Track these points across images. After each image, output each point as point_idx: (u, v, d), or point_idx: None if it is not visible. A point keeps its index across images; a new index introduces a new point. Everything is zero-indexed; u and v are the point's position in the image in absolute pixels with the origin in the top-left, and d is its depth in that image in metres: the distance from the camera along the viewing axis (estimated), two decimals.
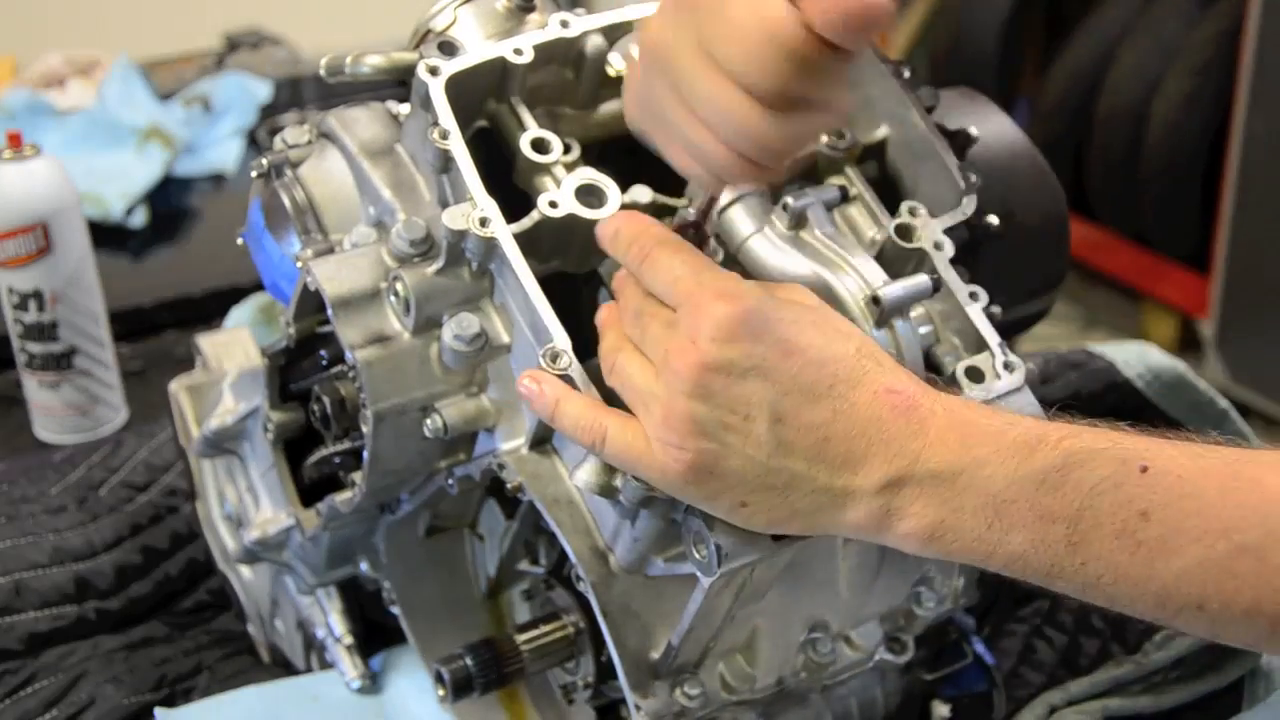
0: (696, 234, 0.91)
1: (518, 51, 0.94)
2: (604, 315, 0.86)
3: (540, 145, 0.94)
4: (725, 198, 0.94)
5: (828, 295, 0.86)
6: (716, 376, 0.76)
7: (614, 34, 0.98)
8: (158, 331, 1.78)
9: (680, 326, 0.78)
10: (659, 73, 0.77)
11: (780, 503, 0.78)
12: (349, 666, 1.15)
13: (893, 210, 0.95)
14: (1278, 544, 0.69)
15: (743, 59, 0.72)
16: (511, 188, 0.95)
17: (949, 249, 0.93)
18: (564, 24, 0.96)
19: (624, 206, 0.92)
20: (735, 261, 0.94)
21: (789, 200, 0.91)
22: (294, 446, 1.09)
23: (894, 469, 0.76)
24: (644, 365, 0.80)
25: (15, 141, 1.45)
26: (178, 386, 1.24)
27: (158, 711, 1.13)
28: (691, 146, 0.78)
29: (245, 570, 1.24)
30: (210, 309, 1.74)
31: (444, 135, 0.90)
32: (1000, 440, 0.76)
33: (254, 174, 1.03)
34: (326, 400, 0.96)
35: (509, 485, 0.89)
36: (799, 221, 0.91)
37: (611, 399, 0.83)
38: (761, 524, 0.79)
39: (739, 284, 0.80)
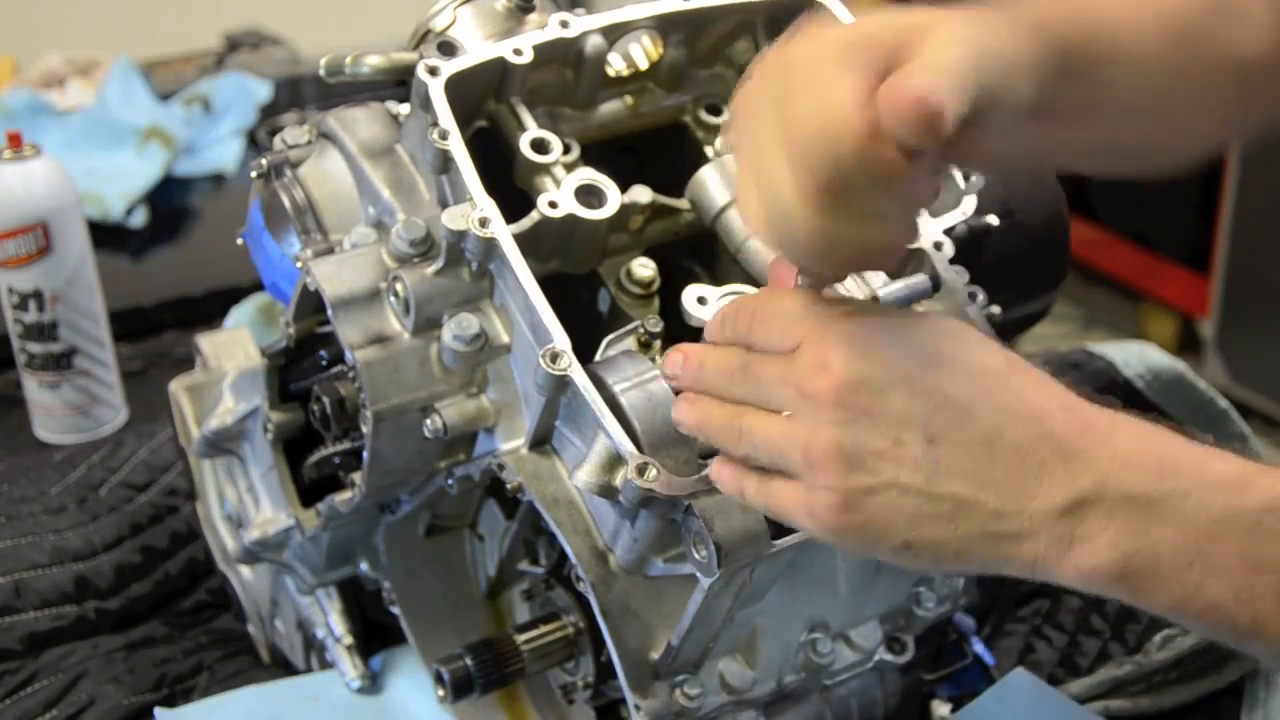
0: None
1: (517, 52, 0.94)
2: (684, 410, 0.78)
3: (540, 145, 0.94)
4: (725, 197, 0.94)
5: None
6: (857, 396, 0.69)
7: (614, 34, 0.98)
8: (158, 331, 1.78)
9: (804, 356, 0.71)
10: (738, 135, 0.73)
11: (948, 538, 0.69)
12: (349, 666, 1.15)
13: None
14: None
15: (799, 143, 0.67)
16: (511, 188, 0.95)
17: (949, 249, 0.93)
18: (564, 24, 0.96)
19: (624, 206, 0.92)
20: (735, 263, 0.94)
21: None
22: (294, 446, 1.09)
23: (1078, 488, 0.67)
24: (771, 416, 0.73)
25: (15, 141, 1.45)
26: (178, 386, 1.24)
27: (158, 711, 1.13)
28: (748, 211, 0.73)
29: (245, 570, 1.24)
30: (210, 309, 1.74)
31: (443, 135, 0.90)
32: (1203, 472, 0.67)
33: (254, 174, 1.03)
34: (326, 400, 0.96)
35: (509, 485, 0.89)
36: None
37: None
38: (928, 564, 0.72)
39: (861, 309, 0.74)
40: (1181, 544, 0.66)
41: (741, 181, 0.73)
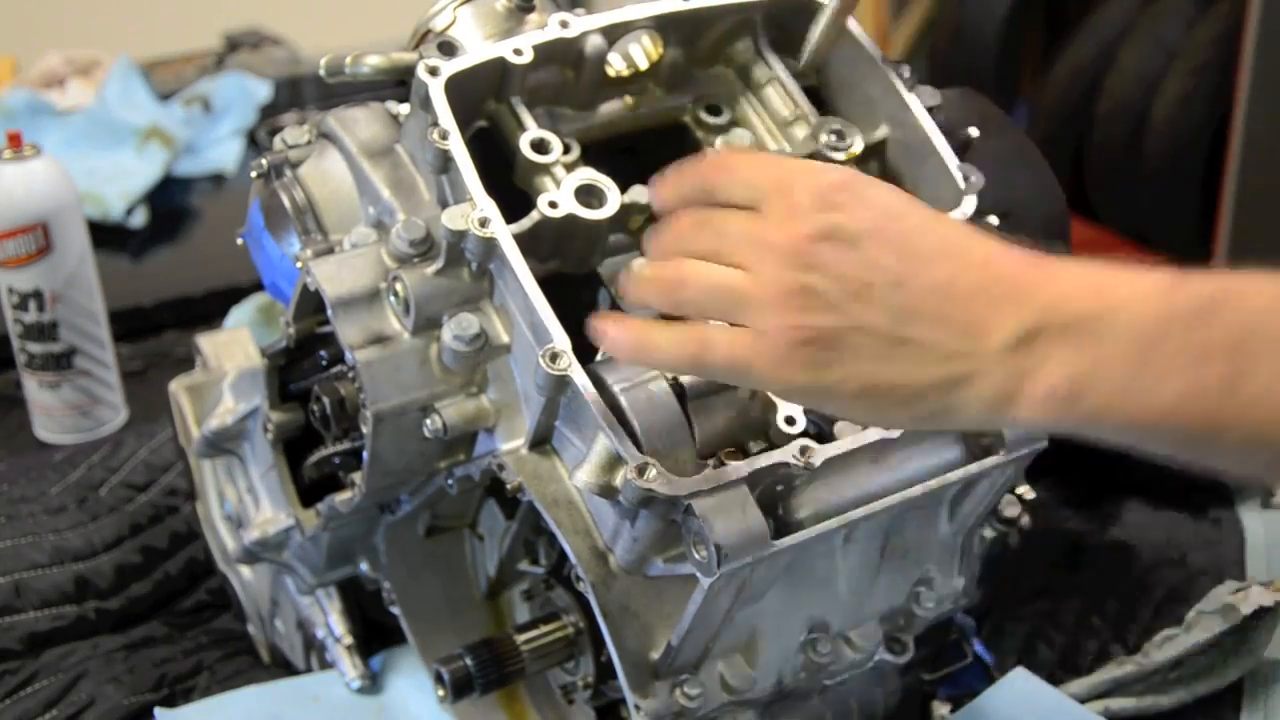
0: None
1: (517, 52, 0.94)
2: (628, 273, 0.79)
3: (540, 145, 0.94)
4: None
5: None
6: (826, 245, 0.71)
7: (614, 34, 0.98)
8: (158, 331, 1.78)
9: (773, 207, 0.73)
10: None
11: (906, 380, 0.71)
12: (349, 666, 1.15)
13: None
14: None
15: None
16: (511, 188, 0.95)
17: None
18: (564, 24, 0.96)
19: (624, 207, 0.92)
20: None
21: None
22: (294, 446, 1.09)
23: (1027, 320, 0.69)
24: (731, 271, 0.73)
25: (15, 141, 1.45)
26: (178, 386, 1.24)
27: (158, 711, 1.13)
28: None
29: (245, 570, 1.24)
30: (210, 309, 1.74)
31: (443, 135, 0.90)
32: (1138, 283, 0.69)
33: (254, 174, 1.03)
34: (326, 400, 0.96)
35: (509, 485, 0.89)
36: None
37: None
38: (886, 412, 0.73)
39: (828, 165, 0.77)
40: (1126, 352, 0.67)
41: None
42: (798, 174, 0.74)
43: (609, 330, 0.78)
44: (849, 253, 0.71)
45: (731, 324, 0.74)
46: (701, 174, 0.78)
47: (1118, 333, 0.67)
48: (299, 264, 0.95)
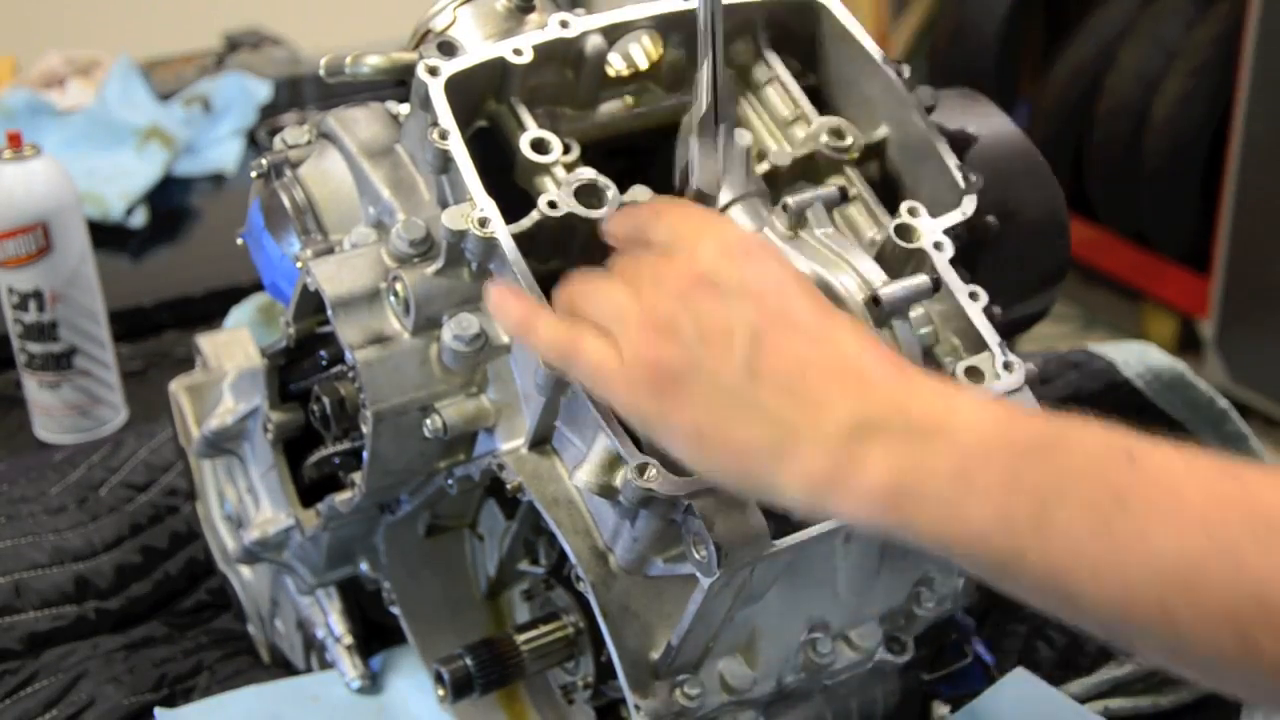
0: None
1: (517, 52, 0.94)
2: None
3: (540, 145, 0.94)
4: (725, 197, 0.94)
5: (828, 294, 0.86)
6: (706, 290, 0.74)
7: (614, 34, 0.98)
8: (158, 331, 1.78)
9: (681, 247, 0.77)
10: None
11: (735, 436, 0.72)
12: (349, 666, 1.15)
13: (893, 210, 0.95)
14: (1258, 549, 0.63)
15: None
16: (511, 188, 0.94)
17: (949, 249, 0.93)
18: (564, 24, 0.96)
19: (623, 206, 0.92)
20: None
21: (789, 200, 0.91)
22: (294, 446, 1.09)
23: (867, 411, 0.70)
24: (625, 289, 0.77)
25: (15, 141, 1.45)
26: (178, 386, 1.24)
27: (158, 711, 1.13)
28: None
29: (245, 570, 1.24)
30: (210, 309, 1.74)
31: (443, 135, 0.90)
32: (983, 410, 0.70)
33: (254, 174, 1.03)
34: (326, 400, 0.96)
35: (509, 485, 0.89)
36: (799, 221, 0.91)
37: None
38: (713, 462, 0.74)
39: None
40: (950, 467, 0.68)
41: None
42: (713, 228, 0.78)
43: (503, 300, 0.83)
44: (722, 301, 0.74)
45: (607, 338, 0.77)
46: (640, 216, 0.82)
47: (947, 448, 0.68)
48: (299, 264, 0.95)
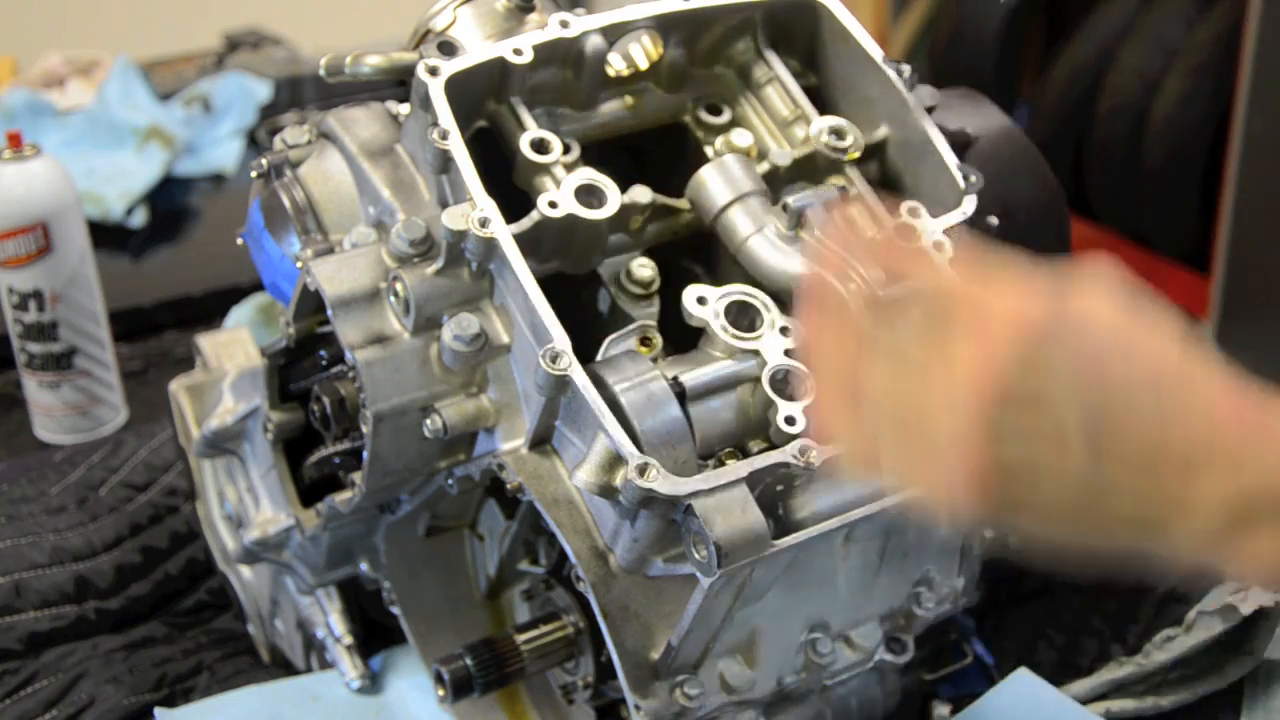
0: None
1: (517, 52, 0.94)
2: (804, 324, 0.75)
3: (540, 145, 0.94)
4: (725, 197, 0.94)
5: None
6: (1019, 410, 0.65)
7: (614, 34, 0.98)
8: (158, 331, 1.78)
9: (960, 348, 0.67)
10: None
11: (1095, 515, 0.66)
12: (349, 666, 1.15)
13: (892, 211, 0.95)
14: None
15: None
16: (511, 188, 0.94)
17: (949, 249, 0.93)
18: (564, 24, 0.96)
19: (624, 206, 0.92)
20: (735, 263, 0.94)
21: (789, 200, 0.91)
22: (294, 446, 1.09)
23: (1242, 484, 0.64)
24: (897, 377, 0.68)
25: (15, 141, 1.45)
26: (178, 386, 1.24)
27: (158, 711, 1.13)
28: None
29: (245, 570, 1.24)
30: (210, 309, 1.74)
31: (444, 135, 0.90)
32: None
33: (254, 174, 1.03)
34: (326, 400, 0.96)
35: (509, 485, 0.89)
36: (799, 221, 0.91)
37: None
38: (1073, 540, 0.69)
39: (1012, 273, 0.68)
40: None
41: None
42: (991, 298, 0.67)
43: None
44: (1046, 414, 0.65)
45: None
46: (894, 260, 0.74)
47: None
48: (299, 264, 0.95)
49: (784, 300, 0.91)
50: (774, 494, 0.84)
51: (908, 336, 0.69)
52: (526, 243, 0.89)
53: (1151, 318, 0.69)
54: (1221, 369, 0.68)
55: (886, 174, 1.01)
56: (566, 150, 0.96)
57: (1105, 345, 0.66)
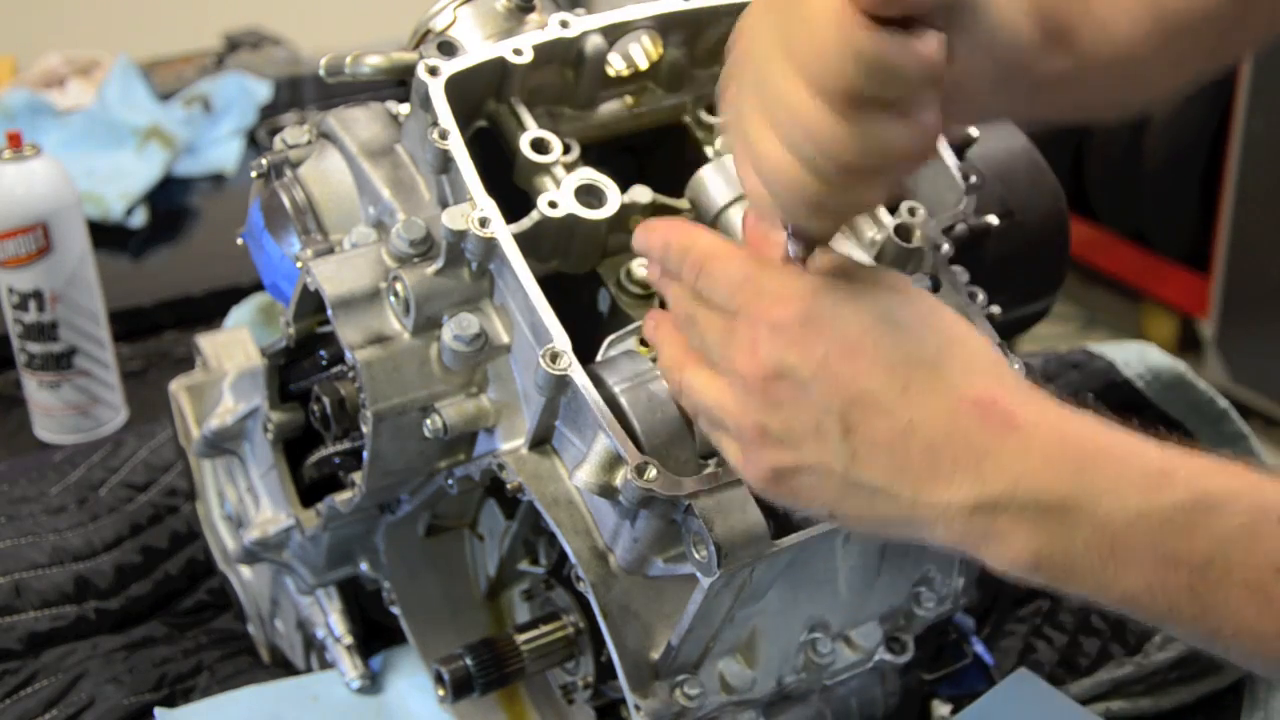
0: None
1: (517, 51, 0.94)
2: (652, 326, 0.83)
3: (540, 145, 0.94)
4: (725, 197, 0.94)
5: None
6: (780, 385, 0.72)
7: (614, 34, 0.98)
8: (158, 331, 1.78)
9: (739, 331, 0.74)
10: (740, 74, 0.72)
11: (869, 514, 0.73)
12: (349, 666, 1.15)
13: (892, 210, 0.95)
14: None
15: (810, 53, 0.66)
16: (511, 188, 0.95)
17: (949, 249, 0.93)
18: (564, 24, 0.96)
19: (624, 206, 0.92)
20: None
21: None
22: (294, 446, 1.09)
23: (988, 490, 0.68)
24: (710, 379, 0.77)
25: (15, 141, 1.45)
26: (178, 386, 1.24)
27: (158, 711, 1.13)
28: (758, 160, 0.71)
29: (245, 570, 1.24)
30: (210, 309, 1.74)
31: (443, 135, 0.90)
32: (1122, 469, 0.67)
33: (254, 174, 1.03)
34: (326, 400, 0.96)
35: (509, 485, 0.89)
36: None
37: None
38: (859, 528, 0.77)
39: (799, 281, 0.74)
40: (1093, 544, 0.67)
41: (745, 127, 0.71)
42: (765, 303, 0.74)
43: (647, 329, 0.84)
44: (800, 394, 0.72)
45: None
46: (686, 271, 0.79)
47: (1089, 526, 0.67)
48: (299, 264, 0.95)
49: None
50: None
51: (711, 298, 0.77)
52: (526, 243, 0.89)
53: (927, 303, 0.74)
54: (982, 349, 0.73)
55: None
56: (566, 150, 0.96)
57: (847, 331, 0.72)
